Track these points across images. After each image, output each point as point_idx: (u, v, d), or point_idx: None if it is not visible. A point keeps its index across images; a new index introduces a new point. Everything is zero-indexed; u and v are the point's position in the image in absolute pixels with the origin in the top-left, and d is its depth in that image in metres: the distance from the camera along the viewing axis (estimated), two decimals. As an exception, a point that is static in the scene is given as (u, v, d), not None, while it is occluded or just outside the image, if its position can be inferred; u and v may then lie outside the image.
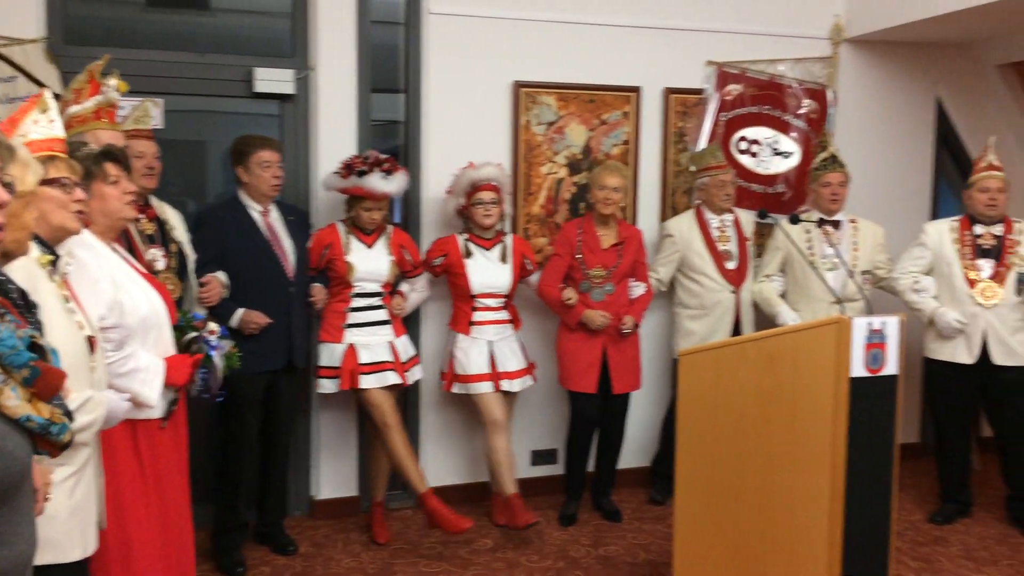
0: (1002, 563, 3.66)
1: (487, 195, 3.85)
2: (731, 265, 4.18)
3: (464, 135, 4.16)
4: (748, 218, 4.35)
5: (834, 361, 2.57)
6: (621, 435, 4.16)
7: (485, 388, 3.86)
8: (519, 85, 4.21)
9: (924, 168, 5.00)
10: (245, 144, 3.55)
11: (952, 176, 5.24)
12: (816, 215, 4.19)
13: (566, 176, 4.35)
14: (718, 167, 4.20)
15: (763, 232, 4.68)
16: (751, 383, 2.75)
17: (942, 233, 4.05)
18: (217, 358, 2.79)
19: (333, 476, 4.14)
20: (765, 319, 4.24)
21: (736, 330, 4.15)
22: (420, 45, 4.13)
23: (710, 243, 4.17)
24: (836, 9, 4.70)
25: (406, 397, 4.09)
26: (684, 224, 4.23)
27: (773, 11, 4.59)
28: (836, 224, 4.18)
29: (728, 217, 4.24)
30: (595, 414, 4.04)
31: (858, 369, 2.59)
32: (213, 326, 2.83)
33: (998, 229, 3.95)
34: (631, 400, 4.14)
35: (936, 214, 5.07)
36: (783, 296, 4.24)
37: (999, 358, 3.86)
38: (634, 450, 4.49)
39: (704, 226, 4.20)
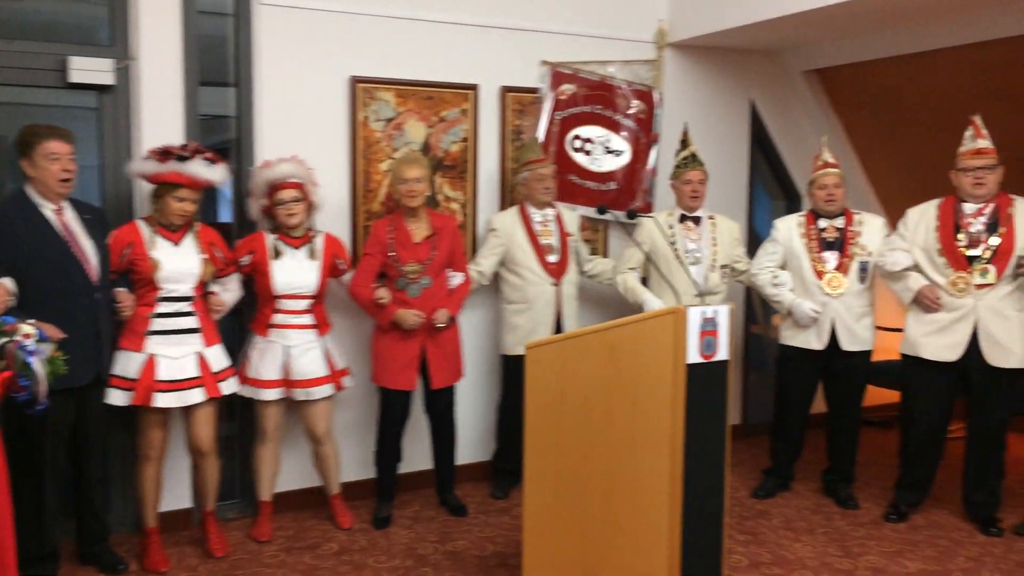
0: (817, 532, 3.96)
1: (288, 194, 3.72)
2: (552, 259, 4.27)
3: (300, 131, 4.06)
4: (571, 214, 4.46)
5: (672, 349, 2.69)
6: (453, 429, 4.17)
7: (270, 396, 3.76)
8: (356, 80, 4.16)
9: (741, 167, 5.34)
10: (30, 134, 3.22)
11: (765, 175, 5.62)
12: (678, 211, 4.38)
13: (405, 173, 4.33)
14: (537, 161, 4.26)
15: (597, 228, 4.86)
16: (595, 373, 2.85)
17: (791, 228, 4.29)
18: (37, 364, 2.59)
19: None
20: (586, 313, 4.38)
21: (558, 323, 4.25)
22: (251, 37, 3.99)
23: (532, 237, 4.25)
24: (660, 14, 4.93)
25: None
26: (508, 219, 4.29)
27: (603, 14, 4.76)
28: (697, 220, 4.38)
29: (550, 212, 4.33)
30: (407, 411, 4.04)
31: (694, 355, 2.73)
32: (28, 329, 2.62)
33: (840, 222, 4.22)
34: (463, 396, 4.17)
35: (752, 211, 5.42)
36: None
37: (846, 344, 4.14)
38: (471, 446, 4.55)
39: (527, 220, 4.27)
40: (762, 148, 5.52)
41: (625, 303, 4.43)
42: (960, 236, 3.82)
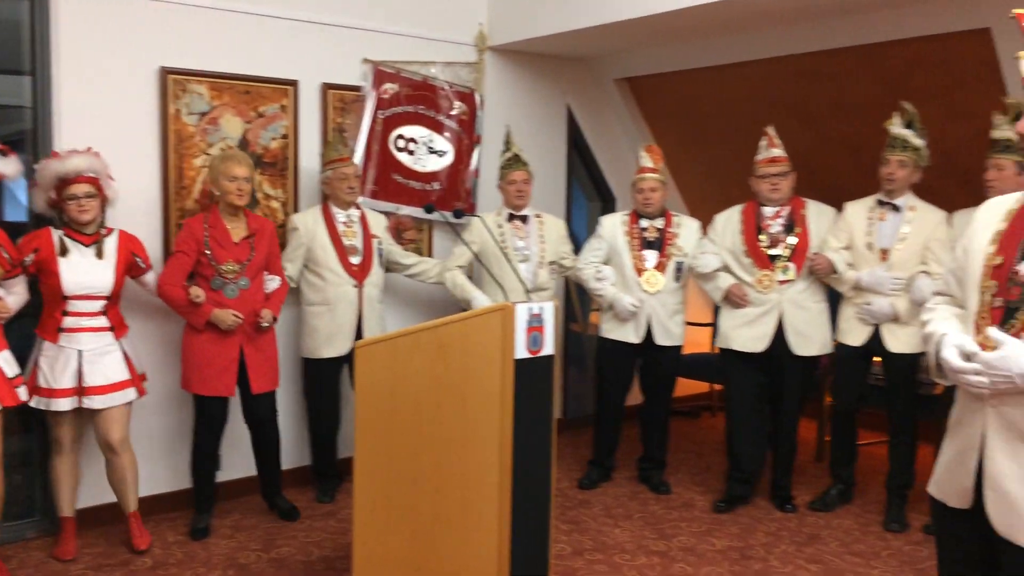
0: (635, 517, 4.17)
1: (80, 188, 3.47)
2: (355, 260, 4.22)
3: (104, 123, 3.82)
4: (377, 216, 4.44)
5: (500, 345, 2.75)
6: (277, 433, 4.05)
7: (64, 406, 3.48)
8: (167, 72, 3.96)
9: (560, 169, 5.52)
10: None
11: (582, 177, 5.84)
12: (506, 211, 4.44)
13: (222, 169, 4.18)
14: (340, 160, 4.21)
15: (421, 227, 4.87)
16: (425, 371, 2.86)
17: (615, 226, 4.48)
18: None
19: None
20: (413, 313, 4.40)
21: (359, 326, 4.21)
22: (49, 23, 3.71)
23: (335, 237, 4.20)
24: (480, 18, 5.01)
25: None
26: (310, 218, 4.22)
27: (424, 15, 4.79)
28: (524, 219, 4.46)
29: (355, 212, 4.29)
30: (225, 418, 3.90)
31: (521, 351, 2.80)
32: None
33: (660, 223, 4.44)
34: (278, 399, 4.05)
35: (570, 211, 5.62)
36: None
37: (660, 339, 4.36)
38: (283, 451, 4.44)
39: (330, 220, 4.22)
40: (579, 151, 5.74)
41: (451, 302, 4.48)
42: (762, 237, 4.14)
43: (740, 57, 4.94)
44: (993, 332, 1.88)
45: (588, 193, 5.91)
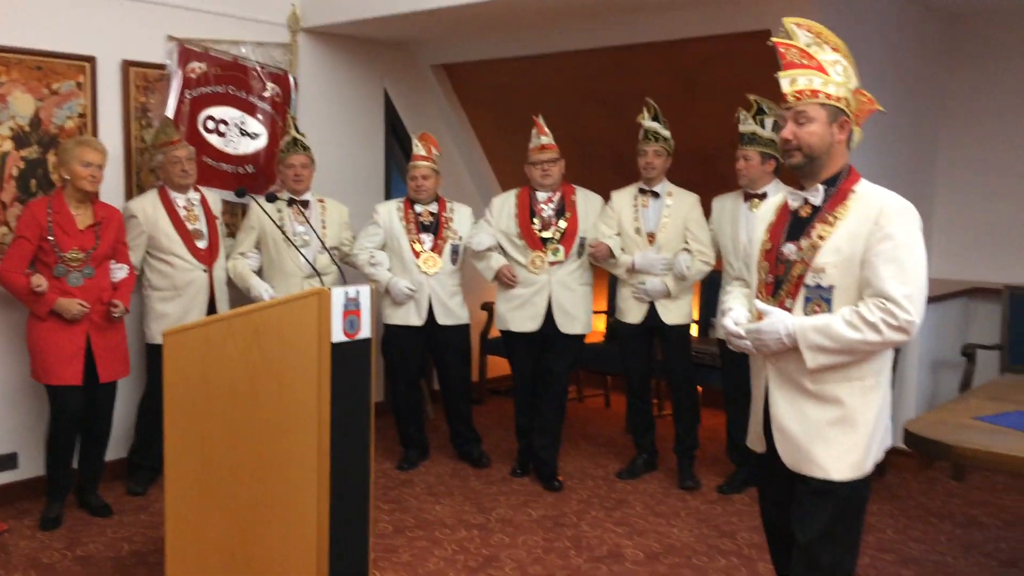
0: (456, 493, 4.28)
1: None
2: (202, 244, 4.16)
3: None
4: (216, 197, 4.37)
5: (316, 329, 2.76)
6: (109, 426, 3.92)
7: None
8: (-55, 43, 3.66)
9: (378, 153, 5.53)
10: None
11: (401, 161, 5.87)
12: (287, 195, 4.39)
13: (12, 150, 3.92)
14: (171, 143, 4.11)
15: (236, 212, 4.75)
16: (240, 357, 2.83)
17: (391, 212, 4.55)
18: None
19: None
20: (242, 296, 4.32)
21: (211, 309, 4.16)
22: None
23: (178, 222, 4.10)
24: (293, -2, 4.93)
25: None
26: (148, 204, 4.09)
27: (234, -7, 4.66)
28: (305, 204, 4.43)
29: (195, 196, 4.21)
30: (80, 407, 3.75)
31: (338, 335, 2.83)
32: None
33: (434, 208, 4.56)
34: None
35: (389, 194, 5.64)
36: (259, 272, 4.38)
37: (442, 319, 4.49)
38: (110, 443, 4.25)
39: (169, 205, 4.11)
40: (396, 136, 5.76)
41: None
42: (535, 220, 4.34)
43: (552, 49, 5.13)
44: (758, 303, 2.36)
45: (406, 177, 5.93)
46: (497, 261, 4.40)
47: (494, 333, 5.53)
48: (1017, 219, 5.00)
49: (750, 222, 4.17)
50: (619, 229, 4.36)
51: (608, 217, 4.39)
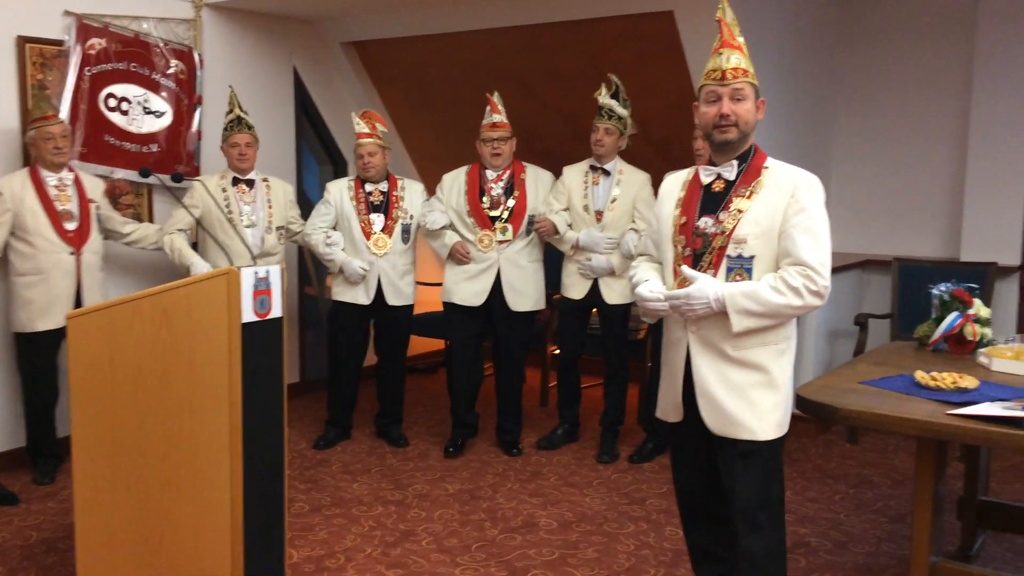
0: (373, 471, 4.32)
1: None
2: (71, 226, 4.03)
3: None
4: (93, 180, 4.22)
5: (226, 309, 2.75)
6: None
7: None
8: None
9: (288, 131, 5.46)
10: None
11: (312, 140, 5.81)
12: (231, 174, 4.33)
13: (-102, 129, 3.75)
14: (44, 119, 3.97)
15: (140, 192, 4.65)
16: (148, 338, 2.79)
17: (341, 191, 4.52)
18: None
19: None
20: (111, 285, 4.24)
21: (78, 295, 4.03)
22: None
23: (46, 202, 3.96)
24: (197, -27, 4.82)
25: None
26: (16, 182, 3.95)
27: (134, -33, 4.53)
28: (250, 183, 4.36)
29: (68, 175, 4.07)
30: None
31: (248, 314, 2.82)
32: None
33: (384, 187, 4.53)
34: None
35: (301, 174, 5.59)
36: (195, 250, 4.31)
37: (391, 299, 4.49)
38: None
39: (39, 184, 3.98)
40: (307, 114, 5.70)
41: (175, 270, 4.33)
42: (484, 199, 4.37)
43: (463, 27, 5.14)
44: (686, 270, 2.43)
45: (319, 157, 5.89)
46: (451, 239, 4.41)
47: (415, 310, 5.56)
48: (906, 194, 5.26)
49: (595, 194, 4.31)
50: (568, 205, 4.41)
51: (559, 192, 4.42)
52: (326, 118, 5.75)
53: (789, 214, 2.36)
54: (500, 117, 4.39)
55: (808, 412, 2.77)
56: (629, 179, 4.36)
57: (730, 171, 2.46)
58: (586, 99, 4.80)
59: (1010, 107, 4.74)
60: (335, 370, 4.71)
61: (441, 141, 6.01)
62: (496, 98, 4.44)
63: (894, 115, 5.26)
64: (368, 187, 4.51)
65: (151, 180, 4.33)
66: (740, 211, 2.40)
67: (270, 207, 4.41)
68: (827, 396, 2.69)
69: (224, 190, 4.27)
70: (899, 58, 5.20)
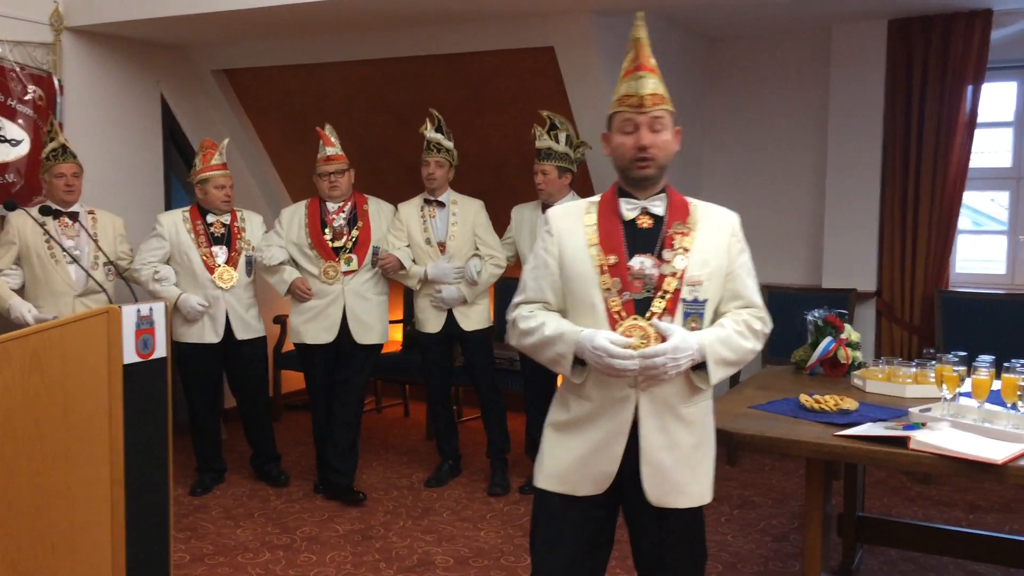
0: (256, 515, 4.13)
1: None
2: None
3: None
4: None
5: (106, 350, 2.58)
6: None
7: None
8: None
9: (156, 161, 5.22)
10: None
11: (180, 170, 5.58)
12: (52, 206, 4.06)
13: None
14: None
15: (-5, 225, 4.32)
16: (17, 384, 2.57)
17: (177, 223, 4.33)
18: None
19: None
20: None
21: None
22: None
23: None
24: (56, -5, 4.56)
25: None
26: None
27: (-13, -14, 4.25)
28: (74, 216, 4.11)
29: None
30: None
31: (130, 355, 2.65)
32: None
33: (226, 219, 4.39)
34: None
35: (170, 205, 5.34)
36: (21, 292, 4.01)
37: (240, 333, 4.34)
38: None
39: None
40: (176, 143, 5.47)
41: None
42: (327, 230, 4.30)
43: (338, 57, 5.08)
44: (660, 324, 2.06)
45: (189, 188, 5.65)
46: (290, 275, 4.30)
47: (288, 346, 5.40)
48: (771, 226, 5.53)
49: (434, 227, 4.34)
50: (408, 240, 4.39)
51: (397, 229, 4.41)
52: (196, 148, 5.53)
53: (733, 254, 2.18)
54: (334, 149, 4.32)
55: (705, 438, 2.84)
56: (464, 207, 4.43)
57: (659, 206, 2.17)
58: (465, 132, 4.83)
59: (861, 146, 5.08)
60: (194, 415, 4.49)
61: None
62: (328, 130, 4.36)
63: (759, 153, 5.54)
64: (209, 218, 4.36)
65: (16, 213, 4.00)
66: (687, 249, 2.12)
67: (97, 241, 4.14)
68: (721, 421, 2.77)
69: (44, 223, 3.96)
70: (763, 101, 5.49)
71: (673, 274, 2.11)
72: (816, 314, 3.54)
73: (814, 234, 5.40)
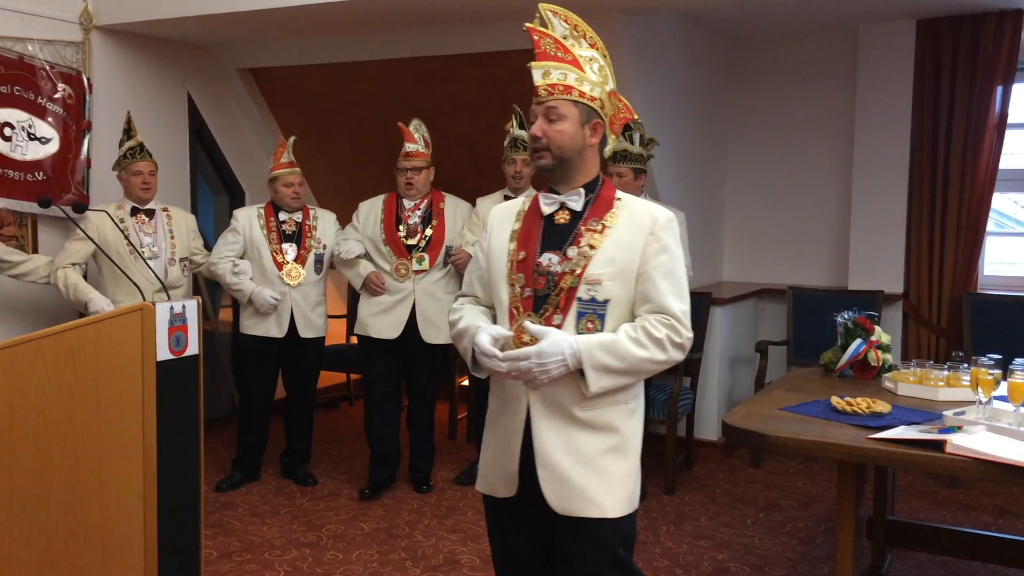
0: (282, 512, 4.14)
1: None
2: None
3: None
4: None
5: (140, 347, 2.59)
6: None
7: None
8: None
9: (182, 159, 5.25)
10: None
11: (207, 169, 5.60)
12: (129, 204, 4.13)
13: None
14: None
15: (23, 223, 4.37)
16: (51, 380, 2.59)
17: (251, 219, 4.36)
18: None
19: None
20: (18, 321, 3.97)
21: None
22: None
23: None
24: (86, -6, 4.60)
25: None
26: None
27: (20, -14, 4.28)
28: (150, 213, 4.15)
29: None
30: None
31: (163, 353, 2.67)
32: None
33: (298, 216, 4.40)
34: None
35: (196, 203, 5.37)
36: (99, 288, 4.06)
37: (304, 331, 4.35)
38: None
39: None
40: (202, 142, 5.50)
41: (60, 308, 4.08)
42: (400, 228, 4.30)
43: (364, 56, 5.09)
44: (530, 325, 2.04)
45: (214, 186, 5.68)
46: (365, 268, 4.31)
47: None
48: (796, 227, 5.51)
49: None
50: None
51: (474, 224, 4.36)
52: (222, 146, 5.57)
53: (649, 254, 2.05)
54: (413, 146, 4.32)
55: (736, 439, 2.84)
56: None
57: (576, 200, 2.12)
58: (489, 129, 4.83)
59: (888, 145, 5.05)
60: (246, 409, 4.50)
61: (340, 170, 5.91)
62: (413, 126, 4.34)
63: (784, 153, 5.52)
64: (282, 216, 4.39)
65: (51, 211, 4.06)
66: (592, 247, 2.06)
67: (172, 238, 4.22)
68: (753, 423, 2.76)
69: (122, 220, 4.05)
70: (787, 100, 5.47)
71: (572, 272, 2.06)
72: (846, 316, 3.51)
73: (840, 235, 5.36)
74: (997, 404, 2.74)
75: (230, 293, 4.45)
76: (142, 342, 2.60)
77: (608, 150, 2.19)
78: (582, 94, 2.08)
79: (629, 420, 2.11)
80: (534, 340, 2.03)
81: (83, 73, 4.55)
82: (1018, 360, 2.68)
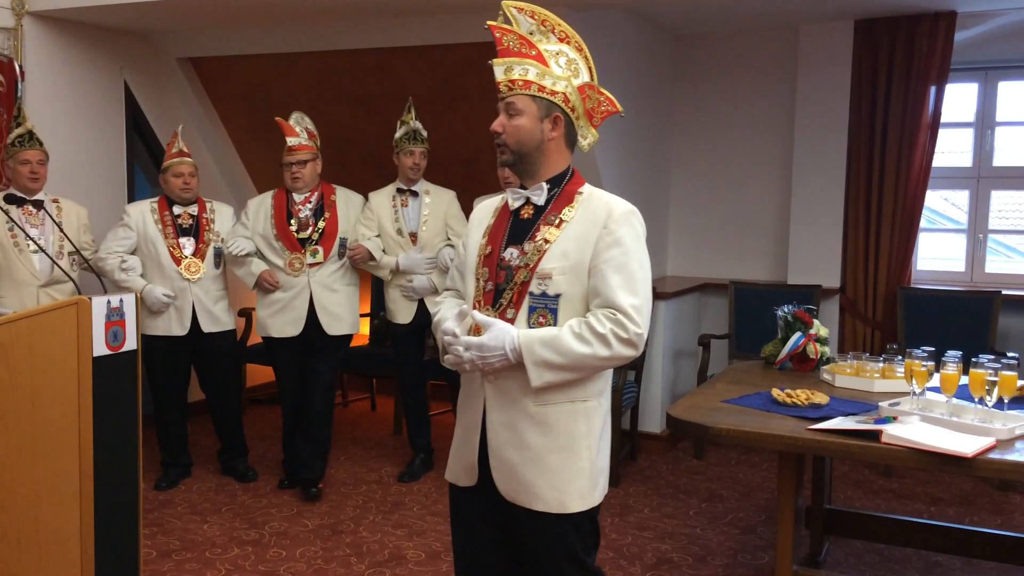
0: (223, 510, 4.08)
1: None
2: None
3: None
4: None
5: (75, 342, 2.53)
6: None
7: None
8: None
9: (119, 149, 5.12)
10: None
11: (144, 158, 5.48)
12: (17, 194, 3.97)
13: None
14: None
15: (-49, 214, 4.20)
16: (-17, 377, 2.52)
17: (144, 214, 4.25)
18: None
19: None
20: None
21: None
22: None
23: None
24: (17, -22, 4.45)
25: None
26: None
27: (-56, -33, 4.13)
28: (38, 204, 4.02)
29: None
30: None
31: (100, 348, 2.60)
32: None
33: (194, 209, 4.32)
34: None
35: (132, 194, 5.25)
36: None
37: (207, 326, 4.27)
38: None
39: None
40: (140, 132, 5.37)
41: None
42: (292, 221, 4.25)
43: (306, 47, 5.02)
44: (478, 315, 2.06)
45: (152, 177, 5.55)
46: (257, 267, 4.24)
47: (253, 340, 5.34)
48: (738, 222, 5.59)
49: (406, 216, 4.37)
50: (379, 230, 4.36)
51: (367, 219, 4.37)
52: (160, 137, 5.44)
53: (601, 247, 2.03)
54: (296, 140, 4.24)
55: (680, 431, 2.88)
56: (437, 197, 4.43)
57: (539, 195, 2.12)
58: (436, 124, 4.81)
59: (826, 142, 5.16)
60: (160, 409, 4.39)
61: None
62: (294, 120, 4.28)
63: (726, 148, 5.59)
64: (176, 209, 4.29)
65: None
66: (547, 241, 2.06)
67: (61, 231, 4.04)
68: (696, 416, 2.80)
69: (7, 211, 3.86)
70: (730, 97, 5.54)
71: (526, 266, 2.07)
72: (786, 309, 3.58)
73: (780, 230, 5.46)
74: (930, 395, 2.83)
75: (120, 289, 4.33)
76: (78, 337, 2.54)
77: (588, 144, 2.22)
78: (542, 88, 2.08)
79: (585, 420, 2.09)
80: (478, 330, 2.06)
81: (15, 60, 4.41)
82: (950, 352, 2.76)
